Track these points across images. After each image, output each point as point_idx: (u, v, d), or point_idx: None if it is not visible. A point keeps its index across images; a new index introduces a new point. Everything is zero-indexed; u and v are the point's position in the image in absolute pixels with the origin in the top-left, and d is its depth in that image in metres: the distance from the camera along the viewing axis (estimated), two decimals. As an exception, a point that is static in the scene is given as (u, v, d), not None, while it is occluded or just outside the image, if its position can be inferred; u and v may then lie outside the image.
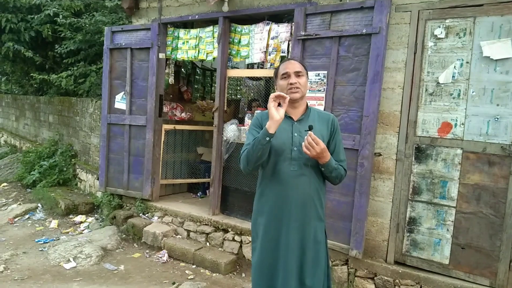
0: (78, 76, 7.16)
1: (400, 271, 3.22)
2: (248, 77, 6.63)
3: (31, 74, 8.14)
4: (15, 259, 4.05)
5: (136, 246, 4.57)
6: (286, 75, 2.06)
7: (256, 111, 4.32)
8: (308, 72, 2.28)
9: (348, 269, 3.49)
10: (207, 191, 5.45)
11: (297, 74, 2.06)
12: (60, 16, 6.98)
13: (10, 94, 11.79)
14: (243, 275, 3.90)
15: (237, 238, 4.14)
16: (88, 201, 5.86)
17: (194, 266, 4.05)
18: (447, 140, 3.06)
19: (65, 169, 6.96)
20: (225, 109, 4.49)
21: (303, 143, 1.93)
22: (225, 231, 4.25)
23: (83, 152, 7.03)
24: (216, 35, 4.38)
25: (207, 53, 4.54)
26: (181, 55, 4.77)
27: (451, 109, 3.04)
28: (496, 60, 2.85)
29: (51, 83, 7.54)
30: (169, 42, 4.83)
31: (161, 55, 4.76)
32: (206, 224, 4.39)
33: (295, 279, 2.04)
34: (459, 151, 3.02)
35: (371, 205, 3.40)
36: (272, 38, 4.01)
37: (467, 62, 2.96)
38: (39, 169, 6.85)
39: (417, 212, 3.20)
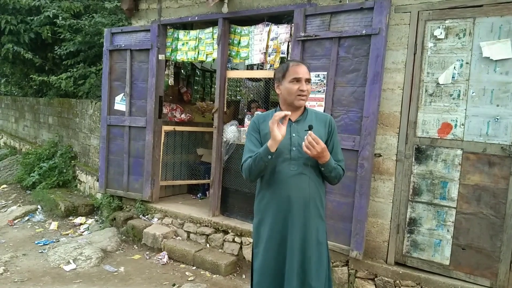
0: (78, 77, 7.16)
1: (400, 272, 3.21)
2: (248, 78, 6.63)
3: (31, 76, 8.15)
4: (14, 261, 4.04)
5: (136, 247, 4.57)
6: (297, 80, 2.03)
7: (255, 113, 4.32)
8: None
9: (348, 270, 3.48)
10: (207, 192, 5.44)
11: (307, 81, 2.05)
12: (60, 17, 6.99)
13: (9, 95, 11.80)
14: (243, 276, 3.90)
15: (237, 239, 4.14)
16: (88, 203, 5.85)
17: (194, 268, 4.05)
18: (447, 141, 3.06)
19: (64, 170, 6.95)
20: (225, 110, 4.49)
21: (303, 143, 1.93)
22: (225, 232, 4.24)
23: (83, 153, 7.02)
24: (215, 36, 4.38)
25: (206, 55, 4.54)
26: (180, 57, 4.77)
27: (451, 110, 3.03)
28: (496, 60, 2.85)
29: (51, 84, 7.54)
30: (169, 44, 4.83)
31: (161, 57, 4.76)
32: (206, 226, 4.39)
33: (299, 280, 2.04)
34: (459, 152, 3.01)
35: (371, 206, 3.40)
36: (272, 39, 4.00)
37: (467, 63, 2.96)
38: (39, 170, 6.85)
39: (418, 213, 3.20)
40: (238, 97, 7.79)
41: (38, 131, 9.11)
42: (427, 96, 3.13)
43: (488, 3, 2.86)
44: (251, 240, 4.00)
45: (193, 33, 4.65)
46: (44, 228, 5.22)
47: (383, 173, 3.36)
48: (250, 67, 5.40)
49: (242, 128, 4.41)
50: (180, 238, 4.54)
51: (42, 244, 4.57)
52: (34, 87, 9.52)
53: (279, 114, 1.91)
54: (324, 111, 3.42)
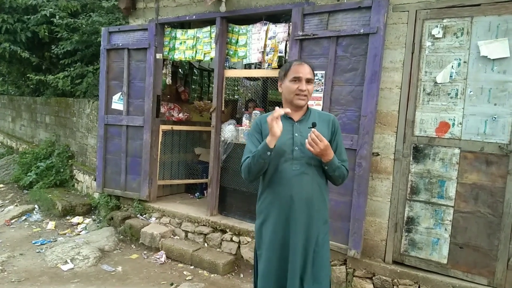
0: (75, 76, 7.13)
1: (398, 271, 3.22)
2: (246, 77, 6.62)
3: (28, 75, 8.11)
4: (12, 261, 4.02)
5: (134, 247, 4.55)
6: (297, 79, 2.02)
7: (253, 112, 4.32)
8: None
9: (346, 269, 3.48)
10: (205, 191, 5.44)
11: (308, 81, 2.03)
12: (57, 16, 6.95)
13: (6, 95, 11.75)
14: (241, 275, 3.89)
15: (235, 238, 4.13)
16: (85, 202, 5.83)
17: (192, 267, 4.04)
18: (445, 140, 3.06)
19: (62, 170, 6.93)
20: (223, 109, 4.48)
21: (306, 140, 1.91)
22: (223, 231, 4.24)
23: (80, 153, 7.00)
24: (213, 35, 4.37)
25: (204, 54, 4.53)
26: (178, 56, 4.76)
27: (449, 109, 3.04)
28: (494, 59, 2.86)
29: (48, 84, 7.51)
30: (166, 43, 4.81)
31: (158, 56, 4.75)
32: (204, 225, 4.38)
33: (301, 283, 2.03)
34: (457, 151, 3.02)
35: (369, 205, 3.40)
36: (270, 38, 4.00)
37: (465, 62, 2.97)
38: (36, 170, 6.82)
39: (415, 211, 3.21)
40: (236, 96, 7.78)
41: (35, 130, 9.07)
42: (425, 95, 3.13)
43: (485, 2, 2.86)
44: (249, 240, 4.01)
45: (190, 32, 4.64)
46: (41, 227, 5.20)
47: (381, 172, 3.36)
48: (248, 66, 5.39)
49: (240, 127, 4.40)
50: (178, 237, 4.54)
51: (39, 243, 4.55)
52: (31, 86, 9.47)
53: (279, 111, 1.90)
54: (322, 110, 3.42)
